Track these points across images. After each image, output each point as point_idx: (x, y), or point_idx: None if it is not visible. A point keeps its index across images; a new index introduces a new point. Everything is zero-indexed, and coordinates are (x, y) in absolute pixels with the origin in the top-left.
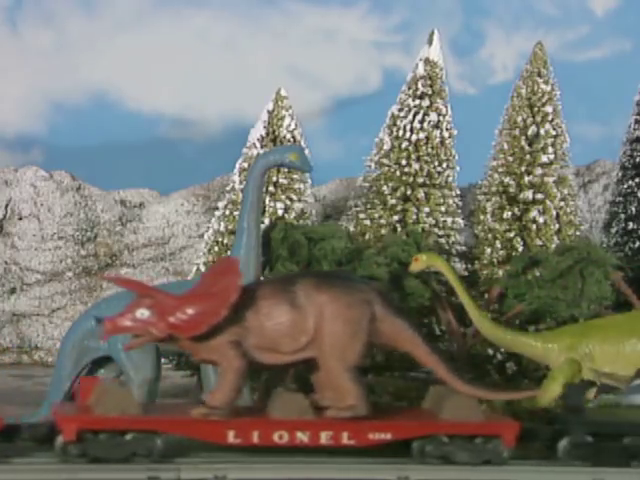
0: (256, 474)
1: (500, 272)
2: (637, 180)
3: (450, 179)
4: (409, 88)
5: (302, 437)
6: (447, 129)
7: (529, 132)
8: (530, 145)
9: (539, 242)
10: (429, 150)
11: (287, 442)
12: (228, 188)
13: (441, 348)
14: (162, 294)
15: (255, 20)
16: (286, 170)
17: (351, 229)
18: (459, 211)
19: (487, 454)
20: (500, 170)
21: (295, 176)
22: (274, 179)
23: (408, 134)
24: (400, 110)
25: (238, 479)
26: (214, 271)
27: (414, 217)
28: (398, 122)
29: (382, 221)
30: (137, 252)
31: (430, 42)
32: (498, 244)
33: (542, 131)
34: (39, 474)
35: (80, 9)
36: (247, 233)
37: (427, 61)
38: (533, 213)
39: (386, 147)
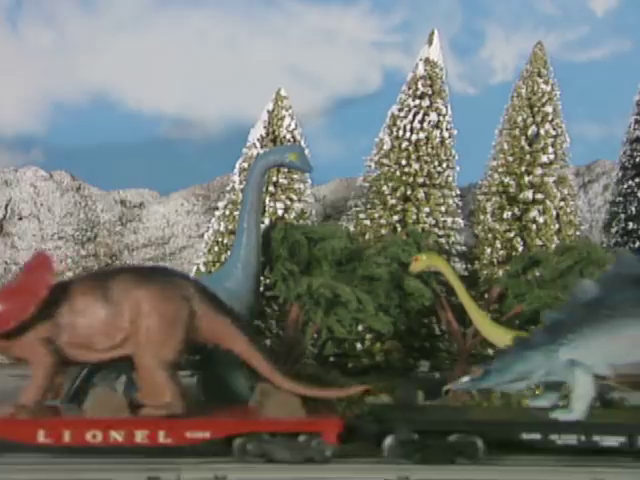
0: (256, 474)
1: (500, 272)
2: (637, 180)
3: (450, 179)
4: (409, 88)
5: (116, 436)
6: (447, 129)
7: (529, 132)
8: (530, 145)
9: (539, 242)
10: (429, 150)
11: (101, 442)
12: (228, 188)
13: (265, 345)
14: None
15: (255, 20)
16: (286, 170)
17: (351, 229)
18: (459, 211)
19: (310, 452)
20: (500, 170)
21: (295, 176)
22: (274, 179)
23: (408, 134)
24: (400, 110)
25: (238, 479)
26: (27, 267)
27: (414, 217)
28: (398, 122)
29: (382, 221)
30: (137, 252)
31: (430, 42)
32: (498, 244)
33: (542, 131)
34: (39, 474)
35: (80, 9)
36: (247, 233)
37: (427, 61)
38: (533, 213)
39: (386, 147)
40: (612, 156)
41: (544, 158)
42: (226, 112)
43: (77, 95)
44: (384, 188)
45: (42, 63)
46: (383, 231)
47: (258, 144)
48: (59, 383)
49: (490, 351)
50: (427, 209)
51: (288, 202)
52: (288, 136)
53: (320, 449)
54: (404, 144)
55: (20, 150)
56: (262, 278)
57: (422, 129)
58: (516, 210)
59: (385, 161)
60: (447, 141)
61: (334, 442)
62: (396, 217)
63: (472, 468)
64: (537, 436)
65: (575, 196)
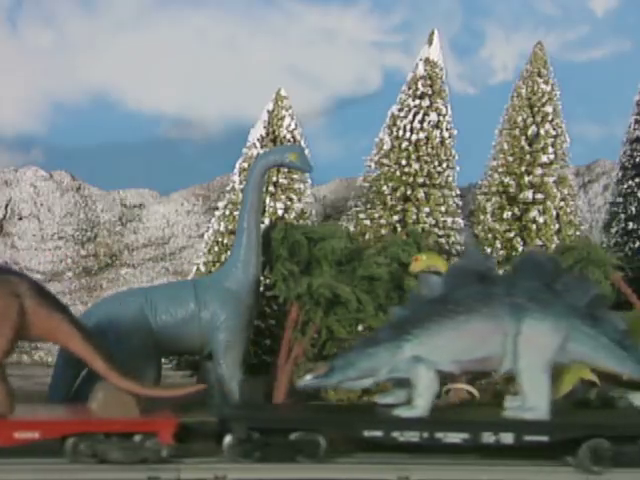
0: (256, 474)
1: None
2: (637, 180)
3: (450, 179)
4: (409, 88)
5: None
6: (447, 129)
7: (529, 132)
8: (530, 145)
9: (539, 242)
10: (429, 150)
11: None
12: (228, 188)
13: (102, 342)
14: None
15: (255, 20)
16: (286, 170)
17: (351, 229)
18: (459, 211)
19: (145, 452)
20: (500, 170)
21: (295, 176)
22: (274, 179)
23: (408, 134)
24: (400, 110)
25: (238, 479)
26: None
27: (414, 217)
28: (398, 122)
29: (382, 221)
30: (137, 252)
31: (430, 42)
32: (498, 244)
33: (542, 131)
34: (39, 474)
35: (80, 9)
36: (247, 233)
37: (427, 61)
38: (533, 213)
39: (386, 147)
40: (612, 156)
41: (544, 158)
42: (226, 112)
43: (77, 95)
44: (384, 188)
45: (42, 63)
46: (383, 231)
47: (258, 144)
48: None
49: None
50: (427, 209)
51: (288, 202)
52: (288, 136)
53: (155, 449)
54: (404, 144)
55: (20, 150)
56: (262, 278)
57: (422, 129)
58: (516, 210)
59: (385, 161)
60: (447, 141)
61: (170, 442)
62: (396, 217)
63: (472, 468)
64: (379, 433)
65: (575, 196)
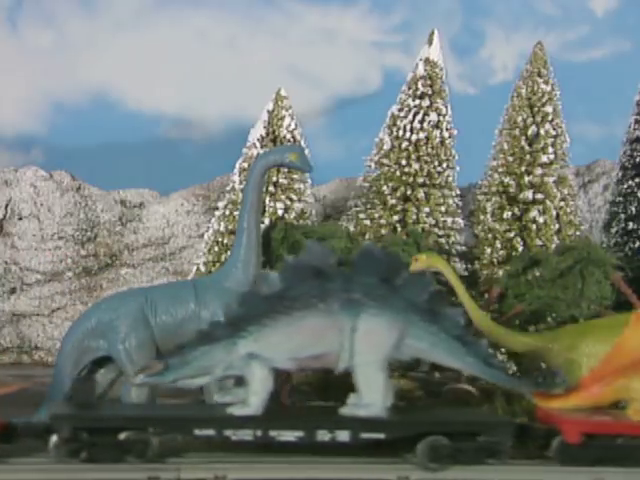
0: (256, 474)
1: (500, 272)
2: (637, 180)
3: (450, 179)
4: (409, 88)
5: None
6: (447, 129)
7: (529, 132)
8: (530, 145)
9: (539, 242)
10: (429, 150)
11: None
12: (228, 188)
13: None
14: None
15: (255, 20)
16: (286, 170)
17: (351, 229)
18: (459, 211)
19: None
20: (500, 170)
21: (295, 176)
22: (274, 179)
23: (408, 134)
24: (400, 110)
25: (238, 479)
26: None
27: (414, 217)
28: (398, 122)
29: (382, 221)
30: (137, 252)
31: (430, 42)
32: (498, 244)
33: (542, 131)
34: (39, 474)
35: (80, 9)
36: (247, 233)
37: (427, 61)
38: (533, 213)
39: (386, 147)
40: (612, 156)
41: (544, 158)
42: (226, 112)
43: (77, 95)
44: (384, 188)
45: (42, 63)
46: (383, 231)
47: (258, 144)
48: None
49: (489, 351)
50: (427, 209)
51: (288, 202)
52: (288, 136)
53: None
54: (404, 144)
55: (20, 150)
56: None
57: (422, 129)
58: (516, 210)
59: (385, 161)
60: (447, 141)
61: None
62: (396, 217)
63: (472, 468)
64: (211, 432)
65: (575, 196)
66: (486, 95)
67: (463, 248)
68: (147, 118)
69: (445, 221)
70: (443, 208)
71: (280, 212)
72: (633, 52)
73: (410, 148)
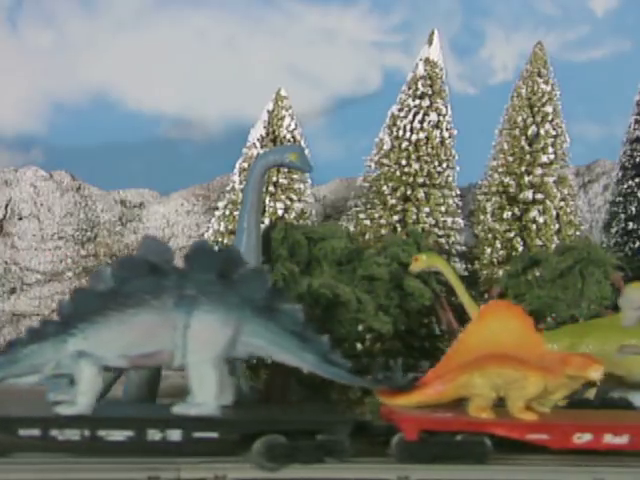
0: (256, 474)
1: (500, 272)
2: (637, 180)
3: (450, 179)
4: (409, 88)
5: None
6: (447, 129)
7: (529, 132)
8: (530, 145)
9: (539, 242)
10: (429, 150)
11: None
12: (228, 188)
13: None
14: None
15: (255, 20)
16: (286, 170)
17: (351, 229)
18: (459, 211)
19: None
20: (500, 170)
21: (295, 176)
22: (274, 179)
23: (408, 134)
24: (400, 110)
25: (238, 479)
26: None
27: (414, 217)
28: (398, 122)
29: (382, 221)
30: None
31: (430, 42)
32: (498, 244)
33: (542, 131)
34: (39, 474)
35: (80, 9)
36: (247, 233)
37: (427, 61)
38: (533, 213)
39: (386, 147)
40: (612, 156)
41: (544, 158)
42: (226, 112)
43: (77, 95)
44: (384, 188)
45: (42, 63)
46: (383, 231)
47: (258, 144)
48: None
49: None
50: (427, 209)
51: (288, 202)
52: (288, 136)
53: None
54: (404, 144)
55: (20, 150)
56: None
57: (422, 129)
58: (516, 210)
59: (385, 161)
60: (447, 141)
61: None
62: (396, 217)
63: (472, 468)
64: (36, 432)
65: (575, 196)
66: (486, 95)
67: (463, 248)
68: (147, 118)
69: (445, 221)
70: (443, 208)
71: (280, 212)
72: (633, 52)
73: (410, 148)
